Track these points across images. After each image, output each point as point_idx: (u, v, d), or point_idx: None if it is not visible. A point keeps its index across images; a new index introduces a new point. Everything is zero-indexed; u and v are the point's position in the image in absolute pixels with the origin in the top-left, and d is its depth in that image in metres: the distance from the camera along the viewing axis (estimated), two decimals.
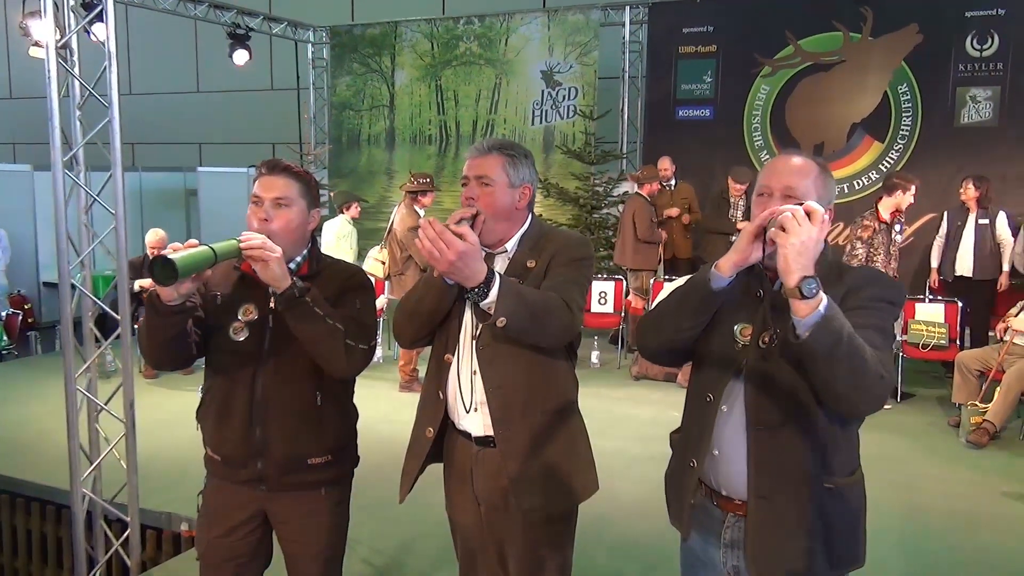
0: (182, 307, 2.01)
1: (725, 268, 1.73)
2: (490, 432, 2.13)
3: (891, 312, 1.77)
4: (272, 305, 2.13)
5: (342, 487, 2.35)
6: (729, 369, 1.84)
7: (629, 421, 5.76)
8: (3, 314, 9.47)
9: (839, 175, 8.31)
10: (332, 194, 7.69)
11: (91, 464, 3.93)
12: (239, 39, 10.06)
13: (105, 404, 3.92)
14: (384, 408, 5.49)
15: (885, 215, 6.08)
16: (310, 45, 11.47)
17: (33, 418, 5.92)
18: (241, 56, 10.10)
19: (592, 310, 7.73)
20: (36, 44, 8.49)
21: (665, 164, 8.27)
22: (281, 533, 2.30)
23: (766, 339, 1.78)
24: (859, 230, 6.09)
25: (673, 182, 8.35)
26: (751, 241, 1.69)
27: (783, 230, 1.56)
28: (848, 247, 6.20)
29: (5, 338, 8.95)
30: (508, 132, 10.13)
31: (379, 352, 7.86)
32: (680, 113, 9.07)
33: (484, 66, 10.31)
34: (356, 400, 2.38)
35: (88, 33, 4.24)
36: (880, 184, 7.05)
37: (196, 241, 1.95)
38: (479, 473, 2.18)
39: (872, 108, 8.22)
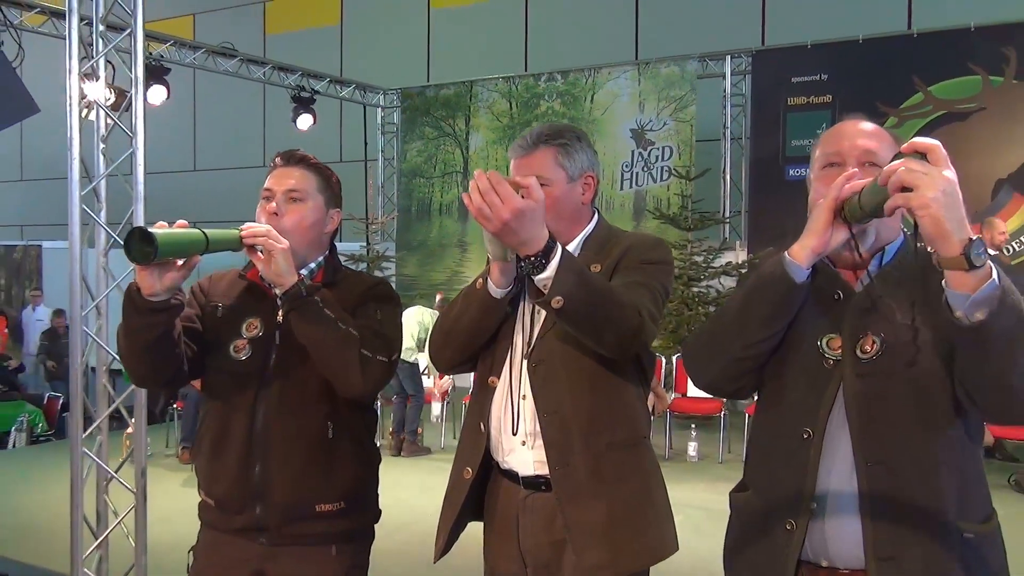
0: (165, 304, 1.91)
1: (802, 256, 1.52)
2: (542, 472, 1.95)
3: None
4: (280, 319, 2.06)
5: (357, 546, 2.16)
6: (822, 395, 1.59)
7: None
8: (45, 397, 9.84)
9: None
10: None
11: (96, 539, 3.89)
12: (303, 103, 10.53)
13: (116, 472, 3.91)
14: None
15: None
16: (380, 109, 11.91)
17: (53, 502, 5.99)
18: (305, 121, 10.55)
19: (688, 393, 7.44)
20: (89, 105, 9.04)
21: None
22: None
23: (868, 348, 1.56)
24: None
25: None
26: (830, 220, 1.49)
27: (906, 190, 1.29)
28: None
29: (43, 423, 9.26)
30: None
31: (443, 441, 7.75)
32: (791, 172, 8.92)
33: None
34: None
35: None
36: None
37: (186, 222, 1.89)
38: (527, 523, 1.99)
39: (1021, 161, 7.93)
